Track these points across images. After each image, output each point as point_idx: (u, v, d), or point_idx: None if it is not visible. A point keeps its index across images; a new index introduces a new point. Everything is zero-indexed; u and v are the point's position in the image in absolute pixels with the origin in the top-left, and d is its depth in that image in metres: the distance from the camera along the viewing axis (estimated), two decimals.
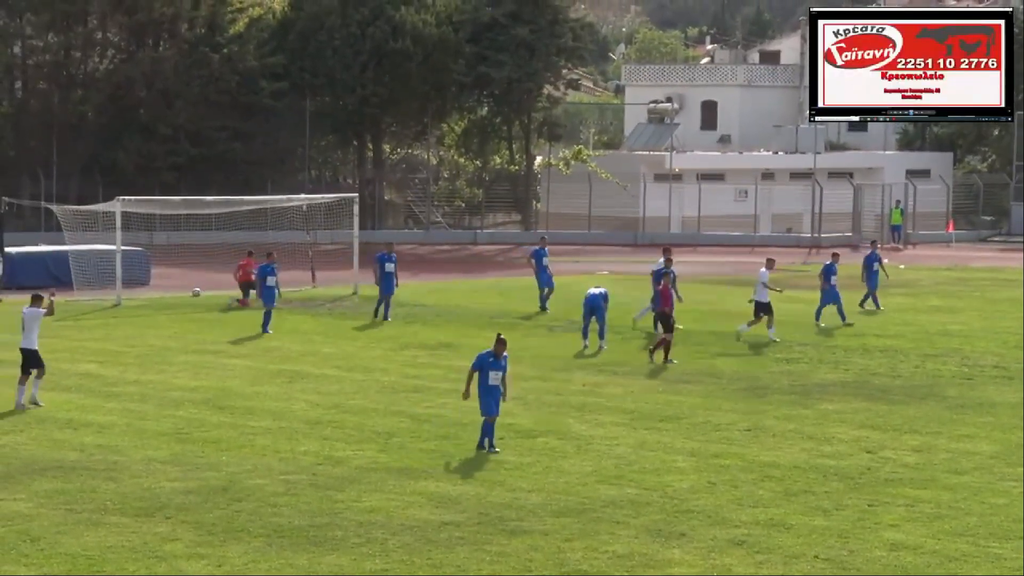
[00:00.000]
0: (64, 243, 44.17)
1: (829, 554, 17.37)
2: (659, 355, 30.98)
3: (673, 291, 32.72)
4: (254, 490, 19.84)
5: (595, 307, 32.61)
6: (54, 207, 46.59)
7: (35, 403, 25.66)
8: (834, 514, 19.07)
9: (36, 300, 26.37)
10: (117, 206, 41.82)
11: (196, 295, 42.32)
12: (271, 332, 34.66)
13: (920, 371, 30.45)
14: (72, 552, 17.06)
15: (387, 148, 72.32)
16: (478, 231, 68.43)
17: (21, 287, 42.75)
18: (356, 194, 49.78)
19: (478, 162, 72.38)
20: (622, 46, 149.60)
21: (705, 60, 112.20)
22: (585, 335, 32.97)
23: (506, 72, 66.45)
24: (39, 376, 25.87)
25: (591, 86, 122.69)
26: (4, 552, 17.03)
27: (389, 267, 37.65)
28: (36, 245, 47.37)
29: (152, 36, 65.72)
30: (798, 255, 61.28)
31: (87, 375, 29.02)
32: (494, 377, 22.34)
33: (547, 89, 70.49)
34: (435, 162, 72.38)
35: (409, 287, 46.13)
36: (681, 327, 33.17)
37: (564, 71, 71.87)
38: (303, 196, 52.19)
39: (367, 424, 24.39)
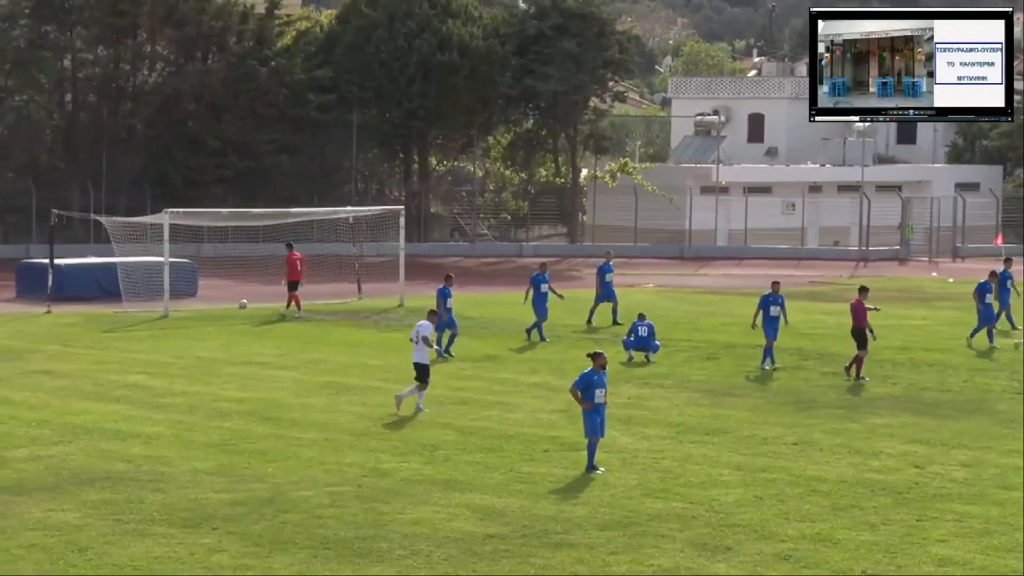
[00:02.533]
0: (113, 255, 44.45)
1: (877, 569, 17.24)
2: (854, 371, 30.64)
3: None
4: (300, 502, 19.88)
5: (645, 345, 33.06)
6: (103, 219, 46.92)
7: (420, 409, 26.46)
8: (882, 529, 18.94)
9: (432, 315, 27.82)
10: (165, 218, 42.08)
11: (243, 307, 42.48)
12: (453, 355, 33.06)
13: (969, 385, 30.23)
14: (119, 562, 17.14)
15: (433, 161, 72.48)
16: (524, 244, 68.47)
17: (70, 298, 43.15)
18: (402, 207, 49.97)
19: (524, 175, 72.45)
20: (669, 59, 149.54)
21: (752, 73, 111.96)
22: (627, 347, 33.20)
23: (552, 85, 66.49)
24: (421, 389, 26.65)
25: (637, 99, 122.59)
26: (52, 562, 17.13)
27: (544, 288, 36.20)
28: (85, 257, 47.72)
29: (201, 49, 66.14)
30: (845, 268, 61.03)
31: (135, 386, 29.18)
32: (600, 395, 21.75)
33: (593, 102, 70.50)
34: (481, 175, 72.49)
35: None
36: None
37: (610, 84, 71.86)
38: (349, 208, 52.34)
39: (412, 436, 24.41)
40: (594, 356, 22.08)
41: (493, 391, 28.94)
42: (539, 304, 36.07)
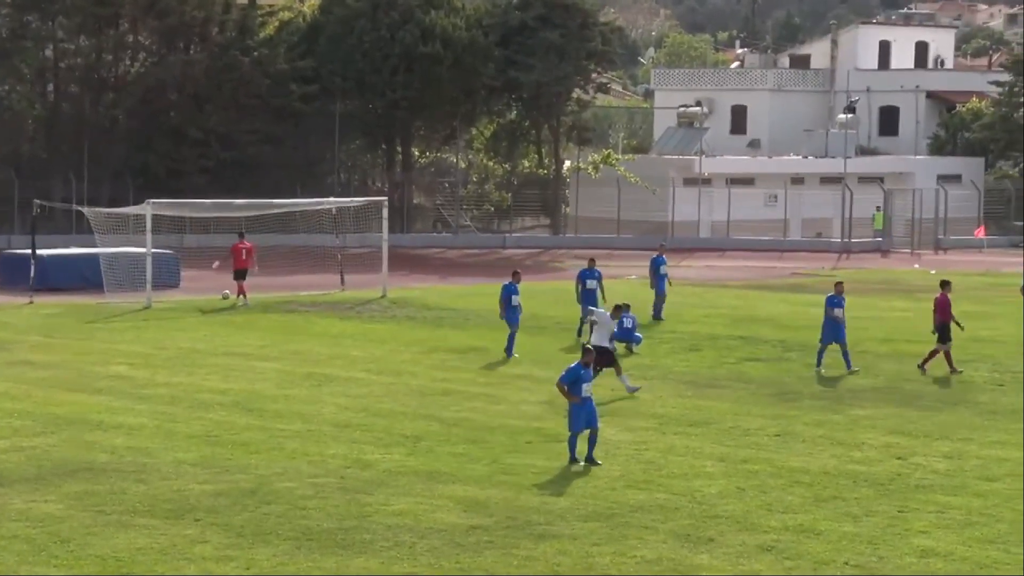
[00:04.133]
0: (95, 245, 44.34)
1: (859, 560, 17.29)
2: (931, 365, 30.37)
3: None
4: (283, 493, 19.87)
5: (628, 336, 33.07)
6: (85, 210, 46.76)
7: (633, 389, 27.46)
8: (864, 520, 18.99)
9: (617, 310, 29.15)
10: (148, 209, 41.99)
11: (226, 298, 42.40)
12: (517, 356, 31.84)
13: (951, 377, 30.31)
14: (102, 554, 17.10)
15: (416, 152, 72.44)
16: (507, 235, 68.49)
17: (52, 289, 43.04)
18: (385, 198, 49.88)
19: (507, 166, 72.44)
20: (652, 50, 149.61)
21: (735, 64, 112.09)
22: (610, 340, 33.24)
23: (535, 76, 66.49)
24: (619, 373, 27.61)
25: (620, 90, 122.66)
26: (35, 553, 17.09)
27: (591, 284, 35.06)
28: (67, 247, 47.58)
29: (183, 40, 66.02)
30: (828, 260, 61.15)
31: (117, 377, 29.12)
32: (586, 389, 21.71)
33: (576, 93, 70.54)
34: (464, 166, 72.47)
35: (437, 291, 46.21)
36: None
37: (593, 75, 71.89)
38: (332, 199, 52.28)
39: (396, 427, 24.40)
40: (584, 351, 22.06)
41: (477, 382, 28.94)
42: (586, 300, 34.81)
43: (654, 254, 39.62)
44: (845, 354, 30.55)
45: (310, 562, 16.91)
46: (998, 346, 34.29)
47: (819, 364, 30.67)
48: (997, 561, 17.36)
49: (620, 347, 32.99)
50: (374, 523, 18.46)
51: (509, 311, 32.24)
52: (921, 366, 30.57)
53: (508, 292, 32.39)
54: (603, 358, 26.90)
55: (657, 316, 37.97)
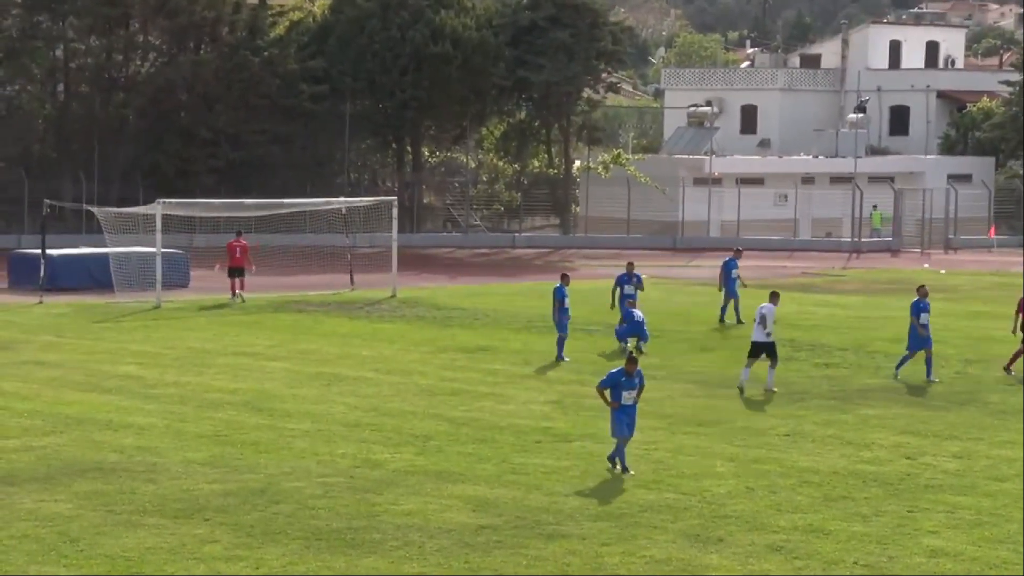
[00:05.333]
0: (105, 245, 44.40)
1: (868, 560, 17.27)
2: (1018, 365, 30.27)
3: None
4: (292, 492, 19.88)
5: (636, 332, 32.97)
6: (95, 209, 46.81)
7: (771, 390, 27.98)
8: (873, 520, 18.97)
9: (774, 297, 28.77)
10: (157, 209, 42.04)
11: (234, 297, 42.43)
12: (567, 359, 31.51)
13: (961, 377, 30.28)
14: (111, 553, 17.12)
15: (426, 151, 72.45)
16: (516, 234, 68.47)
17: (62, 289, 43.10)
18: (395, 197, 49.87)
19: (517, 166, 72.42)
20: (662, 50, 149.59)
21: (745, 64, 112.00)
22: (621, 336, 33.16)
23: (545, 76, 66.47)
24: (773, 366, 28.19)
25: (631, 90, 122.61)
26: (44, 553, 17.11)
27: (628, 289, 34.58)
28: (77, 247, 47.63)
29: (193, 40, 66.05)
30: (838, 260, 61.07)
31: (127, 377, 29.15)
32: (627, 396, 21.54)
33: (586, 93, 70.51)
34: (474, 165, 72.47)
35: (447, 290, 46.21)
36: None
37: (603, 75, 71.85)
38: (342, 199, 52.31)
39: (405, 427, 24.41)
40: (629, 359, 21.91)
41: (486, 382, 28.94)
42: (624, 305, 34.32)
43: (727, 256, 39.14)
44: (928, 360, 29.86)
45: (319, 562, 16.92)
46: (1008, 346, 34.17)
47: (898, 371, 30.06)
48: (1007, 561, 17.33)
49: (631, 344, 32.98)
50: (383, 523, 18.46)
51: (561, 313, 31.97)
52: (1007, 368, 30.42)
53: (560, 295, 32.09)
54: (766, 351, 27.96)
55: (728, 319, 37.49)
